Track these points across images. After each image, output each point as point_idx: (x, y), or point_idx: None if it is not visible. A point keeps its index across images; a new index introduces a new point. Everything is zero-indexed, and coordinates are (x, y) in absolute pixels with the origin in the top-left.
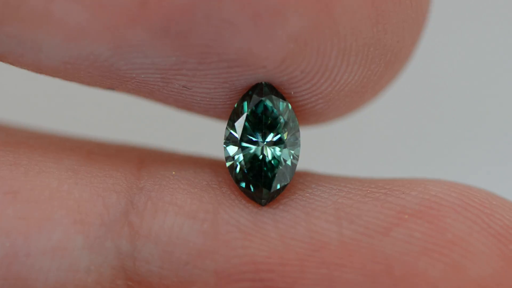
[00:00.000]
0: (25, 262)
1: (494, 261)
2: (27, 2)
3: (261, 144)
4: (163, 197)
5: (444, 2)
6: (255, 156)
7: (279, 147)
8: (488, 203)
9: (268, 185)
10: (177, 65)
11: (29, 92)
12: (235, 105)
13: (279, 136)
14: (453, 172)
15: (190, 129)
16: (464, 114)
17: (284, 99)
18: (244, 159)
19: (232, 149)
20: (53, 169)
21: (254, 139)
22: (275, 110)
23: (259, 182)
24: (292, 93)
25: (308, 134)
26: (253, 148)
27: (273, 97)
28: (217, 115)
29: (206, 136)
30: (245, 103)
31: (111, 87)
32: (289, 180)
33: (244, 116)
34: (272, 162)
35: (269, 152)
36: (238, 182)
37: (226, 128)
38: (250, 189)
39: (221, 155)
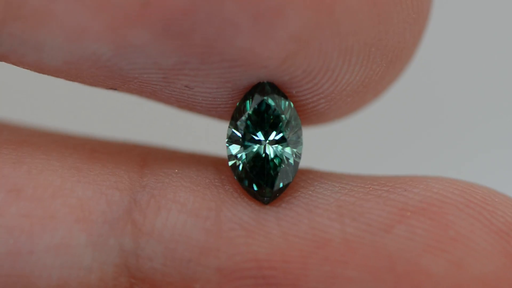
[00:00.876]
0: (28, 259)
1: (496, 258)
2: (29, 1)
3: (264, 143)
4: (166, 194)
5: (445, 3)
6: (257, 154)
7: (282, 146)
8: (490, 200)
9: (271, 184)
10: (179, 65)
11: (32, 90)
12: (237, 104)
13: (281, 134)
14: (455, 169)
15: (192, 127)
16: (466, 113)
17: (286, 97)
18: (246, 158)
19: (234, 148)
20: (56, 167)
21: (256, 137)
22: (277, 109)
23: (261, 180)
24: (294, 92)
25: (310, 132)
26: (255, 146)
27: (275, 95)
28: (219, 115)
29: (209, 134)
30: (248, 102)
31: (113, 87)
32: (291, 179)
33: (247, 114)
34: (275, 160)
35: (271, 151)
36: (240, 180)
37: (229, 127)
38: (253, 187)
39: (223, 153)
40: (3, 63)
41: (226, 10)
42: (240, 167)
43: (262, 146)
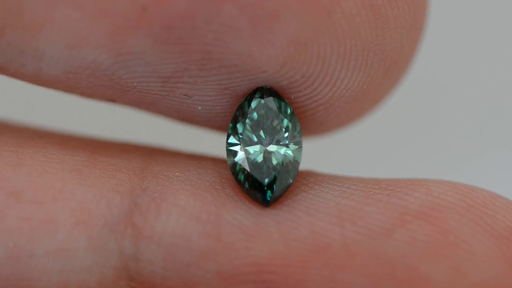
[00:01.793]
0: (29, 262)
1: (497, 264)
2: (28, 10)
3: (264, 146)
4: (166, 198)
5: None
6: (257, 157)
7: (282, 149)
8: (491, 204)
9: (271, 187)
10: (178, 72)
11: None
12: (237, 107)
13: (281, 137)
14: (456, 172)
15: (193, 129)
16: (466, 117)
17: (285, 101)
18: (247, 161)
19: (234, 151)
20: (57, 169)
21: (256, 140)
22: (277, 112)
23: (262, 183)
24: (293, 97)
25: (310, 139)
26: (255, 149)
27: (275, 99)
28: (218, 126)
29: (210, 136)
30: (247, 105)
31: (112, 98)
32: (291, 181)
33: (247, 117)
34: (275, 163)
35: (271, 154)
36: (241, 184)
37: (229, 130)
38: (253, 190)
39: (224, 156)
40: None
41: (224, 15)
42: (240, 170)
43: (262, 149)
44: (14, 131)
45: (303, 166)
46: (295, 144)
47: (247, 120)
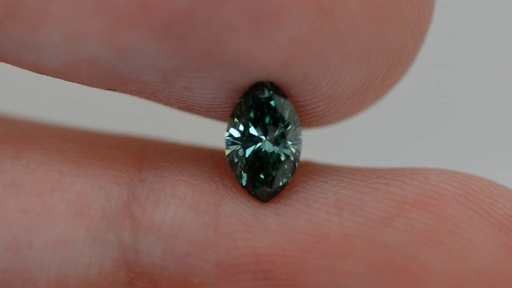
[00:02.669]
0: (27, 254)
1: (496, 251)
2: (27, 2)
3: (263, 141)
4: (164, 189)
5: (447, 6)
6: (257, 152)
7: (281, 143)
8: (489, 192)
9: (270, 183)
10: (178, 66)
11: (30, 84)
12: (237, 101)
13: (280, 132)
14: (454, 161)
15: (192, 120)
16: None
17: (285, 96)
18: (245, 156)
19: (234, 145)
20: (55, 161)
21: (256, 135)
22: (276, 106)
23: (260, 179)
24: (293, 93)
25: (309, 130)
26: (255, 144)
27: (275, 94)
28: (219, 116)
29: (208, 127)
30: (247, 100)
31: (112, 88)
32: (291, 177)
33: (246, 112)
34: (274, 158)
35: (270, 149)
36: (239, 179)
37: (228, 124)
38: (252, 186)
39: (222, 146)
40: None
41: (224, 12)
42: (239, 165)
43: (261, 144)
44: (11, 123)
45: (302, 156)
46: (294, 139)
47: (246, 115)
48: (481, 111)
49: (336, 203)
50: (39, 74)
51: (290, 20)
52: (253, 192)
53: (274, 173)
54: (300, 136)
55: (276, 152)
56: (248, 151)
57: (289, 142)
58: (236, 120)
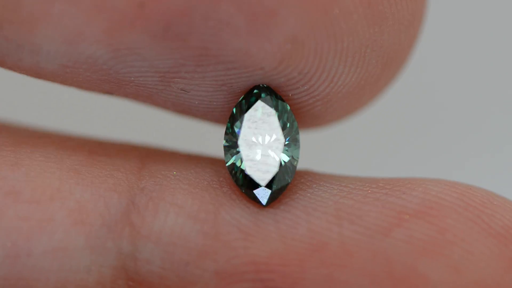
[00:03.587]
0: (27, 262)
1: (495, 262)
2: (25, 4)
3: (261, 145)
4: (164, 197)
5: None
6: (255, 157)
7: (279, 148)
8: (488, 203)
9: (269, 186)
10: (175, 67)
11: (30, 91)
12: (234, 107)
13: (278, 136)
14: (454, 171)
15: (191, 128)
16: (463, 114)
17: (282, 100)
18: (244, 161)
19: (232, 151)
20: (55, 169)
21: (254, 140)
22: (274, 111)
23: (259, 183)
24: (290, 95)
25: (307, 134)
26: (252, 149)
27: (272, 98)
28: (216, 119)
29: (207, 135)
30: (244, 105)
31: (109, 92)
32: (289, 181)
33: (243, 117)
34: (273, 162)
35: (269, 153)
36: (238, 183)
37: (226, 130)
38: (251, 190)
39: (222, 154)
40: None
41: (221, 11)
42: (238, 170)
43: (260, 149)
44: (11, 130)
45: (300, 165)
46: (292, 142)
47: (244, 119)
48: (481, 111)
49: (336, 212)
50: (39, 80)
51: (287, 19)
52: (252, 197)
53: (272, 177)
54: (298, 140)
55: (274, 155)
56: (246, 156)
57: (287, 146)
58: (234, 125)
